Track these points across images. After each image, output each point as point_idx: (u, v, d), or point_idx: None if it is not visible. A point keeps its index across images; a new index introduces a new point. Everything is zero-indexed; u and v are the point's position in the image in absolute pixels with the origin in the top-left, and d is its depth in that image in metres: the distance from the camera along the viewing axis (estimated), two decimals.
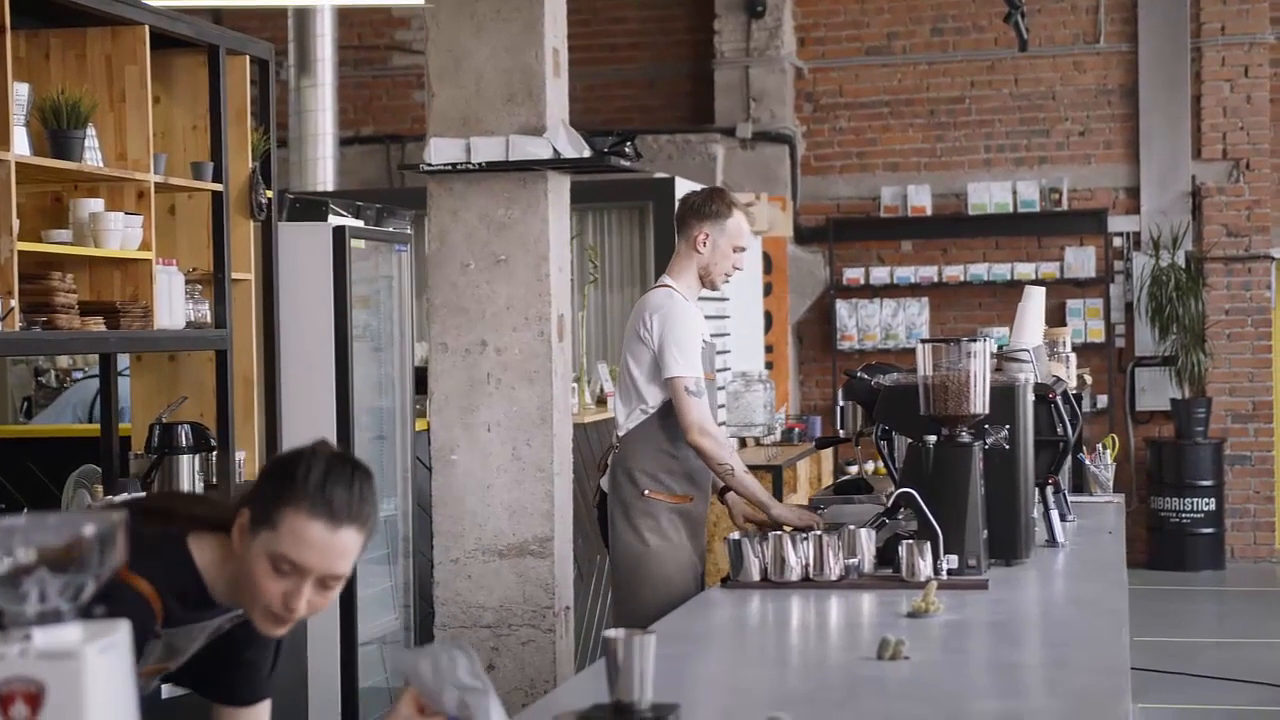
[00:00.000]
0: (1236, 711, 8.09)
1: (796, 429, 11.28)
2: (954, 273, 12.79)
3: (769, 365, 12.31)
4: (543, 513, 5.84)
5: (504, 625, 5.81)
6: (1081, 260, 12.65)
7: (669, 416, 5.22)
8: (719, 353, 9.99)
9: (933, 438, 4.40)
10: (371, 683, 6.64)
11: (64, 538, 1.74)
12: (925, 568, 4.17)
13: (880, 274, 12.90)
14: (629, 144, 6.16)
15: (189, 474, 5.37)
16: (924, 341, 4.46)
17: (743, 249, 5.37)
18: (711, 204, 5.33)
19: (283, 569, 2.57)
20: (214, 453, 5.52)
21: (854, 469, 12.21)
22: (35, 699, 1.70)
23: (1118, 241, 12.75)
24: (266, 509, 2.58)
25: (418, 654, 2.52)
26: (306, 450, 2.65)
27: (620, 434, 5.33)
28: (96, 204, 5.01)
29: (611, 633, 2.72)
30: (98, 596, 2.46)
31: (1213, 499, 12.26)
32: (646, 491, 5.22)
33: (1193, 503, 12.24)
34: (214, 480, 5.57)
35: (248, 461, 5.83)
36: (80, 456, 5.85)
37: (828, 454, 11.39)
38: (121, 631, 1.79)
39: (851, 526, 4.37)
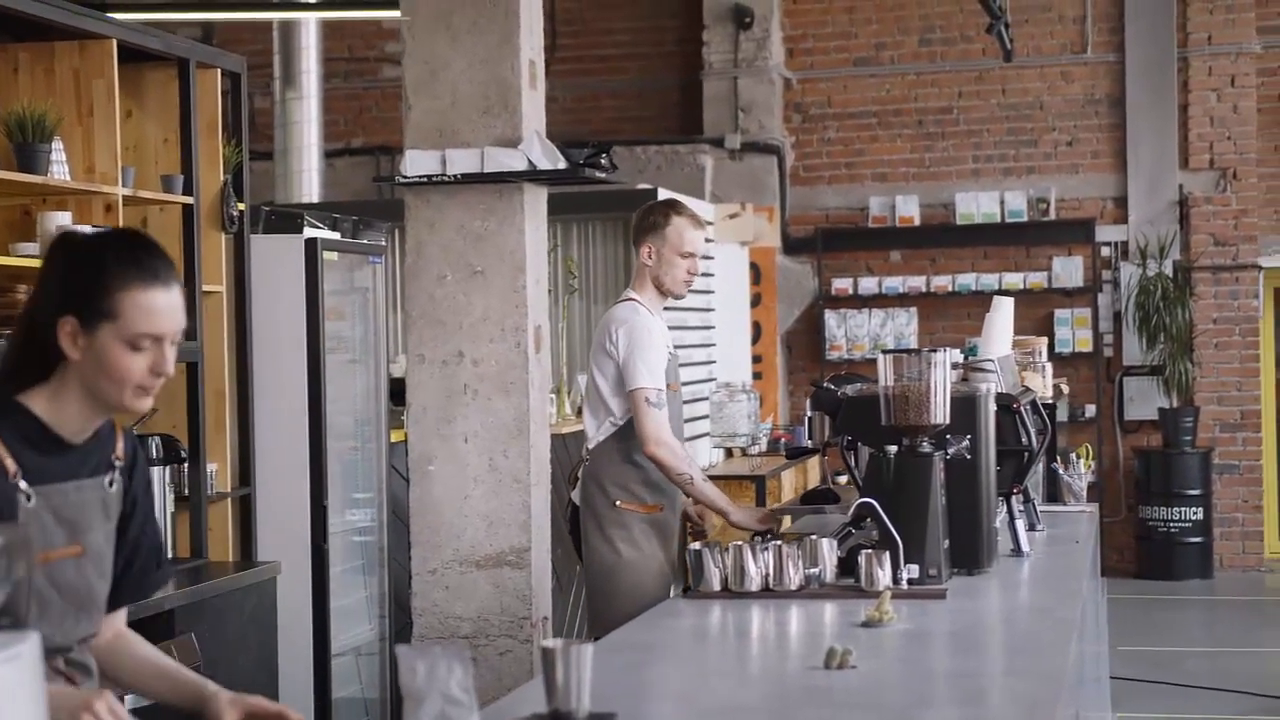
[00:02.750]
0: None
1: (784, 439, 11.30)
2: (942, 283, 12.81)
3: (758, 375, 12.34)
4: (520, 523, 5.85)
5: (481, 636, 5.81)
6: (1069, 270, 12.66)
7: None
8: (698, 364, 10.05)
9: (893, 448, 4.41)
10: (346, 693, 6.65)
11: None
12: (884, 577, 4.18)
13: (869, 284, 12.92)
14: (605, 155, 6.18)
15: (160, 486, 5.39)
16: (885, 352, 4.48)
17: (690, 254, 5.45)
18: (649, 217, 5.49)
19: (142, 345, 2.66)
20: (185, 464, 5.54)
21: (844, 479, 12.21)
22: None
23: (1105, 251, 12.77)
24: (96, 308, 2.65)
25: (419, 652, 2.57)
26: (91, 239, 2.73)
27: (590, 446, 5.43)
28: (64, 217, 5.03)
29: (548, 643, 2.75)
30: None
31: (1201, 508, 12.26)
32: (618, 503, 5.33)
33: (1181, 512, 12.24)
34: (185, 492, 5.59)
35: (219, 473, 5.84)
36: None
37: (814, 464, 11.40)
38: (30, 642, 1.80)
39: (813, 536, 4.39)
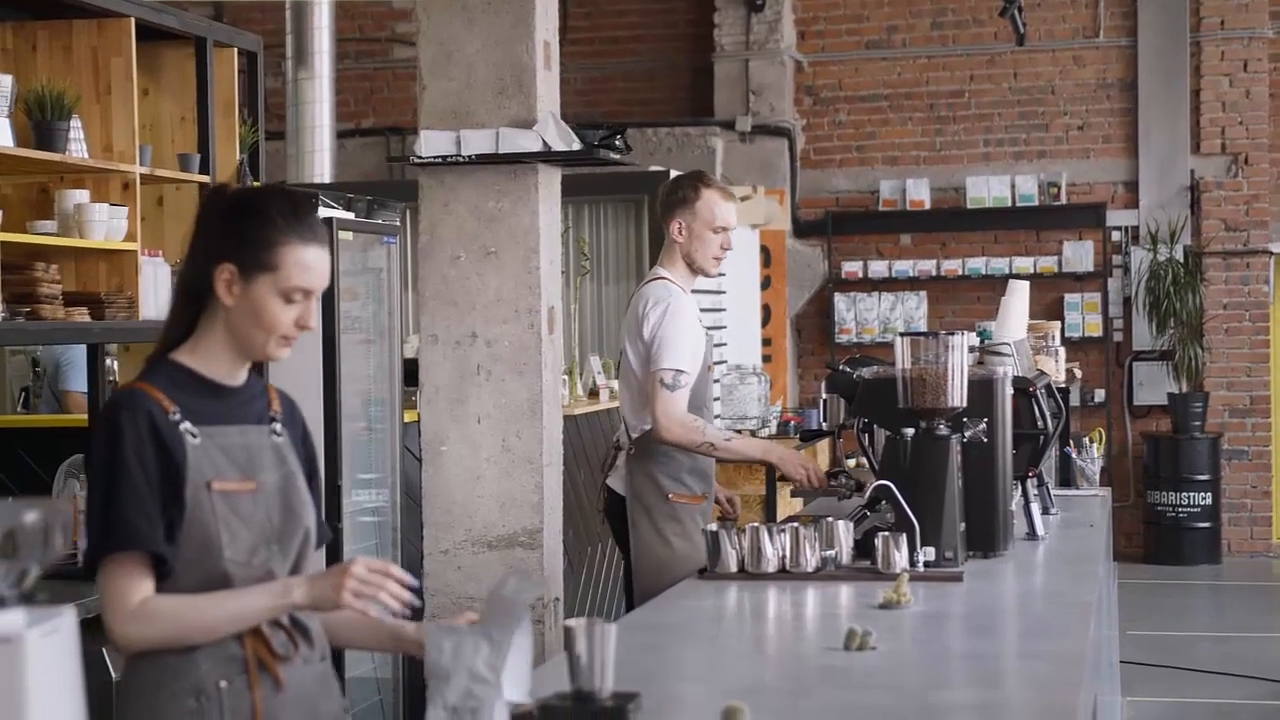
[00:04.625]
0: (1228, 705, 8.10)
1: (793, 422, 11.30)
2: (952, 266, 12.81)
3: (767, 358, 12.34)
4: (532, 504, 5.86)
5: None
6: (1080, 254, 12.66)
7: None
8: (715, 345, 10.03)
9: (910, 430, 4.41)
10: (358, 673, 6.67)
11: (5, 525, 1.76)
12: (901, 560, 4.18)
13: (879, 268, 12.92)
14: (619, 137, 6.17)
15: None
16: (902, 334, 4.47)
17: (723, 229, 5.27)
18: (678, 190, 5.30)
19: (294, 298, 2.81)
20: None
21: (851, 462, 12.22)
22: None
23: (1116, 236, 12.77)
24: (256, 259, 2.79)
25: (446, 630, 2.61)
26: (254, 193, 2.89)
27: (634, 435, 5.24)
28: (82, 195, 5.04)
29: (572, 622, 2.75)
30: (109, 406, 2.78)
31: (1209, 493, 12.27)
32: (671, 495, 5.17)
33: (1189, 497, 12.25)
34: None
35: None
36: (73, 446, 5.87)
37: (824, 446, 11.40)
38: (65, 619, 1.81)
39: (830, 518, 4.39)
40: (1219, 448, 12.41)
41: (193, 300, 2.85)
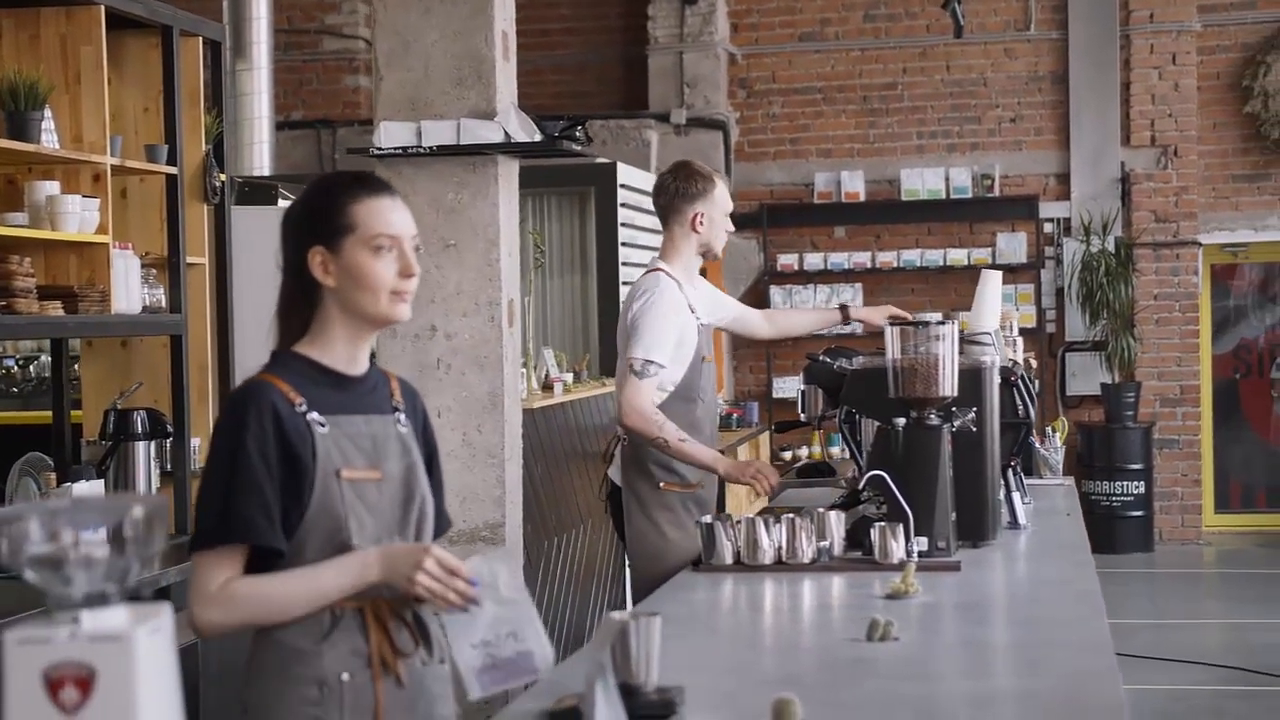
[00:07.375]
0: (1171, 691, 8.19)
1: (735, 415, 11.34)
2: (887, 258, 12.86)
3: None
4: (494, 498, 5.84)
5: None
6: (1013, 246, 12.75)
7: (676, 405, 5.14)
8: None
9: (902, 420, 4.40)
10: None
11: (112, 520, 1.72)
12: (898, 550, 4.18)
13: (814, 260, 12.95)
14: (579, 128, 6.15)
15: (144, 460, 5.31)
16: (893, 324, 4.47)
17: (728, 211, 5.44)
18: (696, 184, 5.32)
19: (382, 245, 2.83)
20: (169, 439, 5.46)
21: (789, 454, 12.28)
22: (85, 683, 1.68)
23: (1049, 227, 12.87)
24: (335, 226, 2.83)
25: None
26: (315, 181, 2.96)
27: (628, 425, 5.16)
28: (53, 186, 4.93)
29: (618, 615, 2.72)
30: (234, 397, 2.82)
31: (1142, 482, 12.40)
32: (662, 484, 5.17)
33: (1122, 486, 12.38)
34: (169, 467, 5.50)
35: (203, 448, 5.75)
36: (30, 444, 5.76)
37: (765, 439, 11.45)
38: (165, 615, 1.77)
39: (821, 509, 4.38)
40: (1151, 437, 12.55)
41: (301, 301, 2.88)
